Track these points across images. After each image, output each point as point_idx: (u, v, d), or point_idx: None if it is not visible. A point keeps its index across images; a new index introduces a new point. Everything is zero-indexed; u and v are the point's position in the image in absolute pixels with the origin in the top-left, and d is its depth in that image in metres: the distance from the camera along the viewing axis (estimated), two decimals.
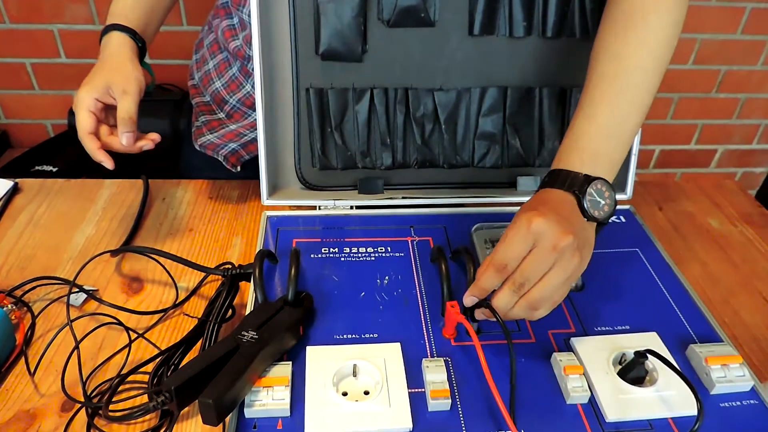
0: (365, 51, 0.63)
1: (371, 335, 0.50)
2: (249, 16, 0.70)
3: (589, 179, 0.49)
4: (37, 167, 1.35)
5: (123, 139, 0.61)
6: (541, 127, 0.68)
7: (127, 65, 0.64)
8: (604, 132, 0.51)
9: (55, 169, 1.35)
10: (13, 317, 0.62)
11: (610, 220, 0.51)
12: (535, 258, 0.45)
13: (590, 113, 0.52)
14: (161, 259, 0.67)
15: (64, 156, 1.39)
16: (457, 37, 0.65)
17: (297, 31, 0.62)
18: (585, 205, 0.48)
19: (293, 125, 0.65)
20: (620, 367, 0.48)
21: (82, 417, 0.53)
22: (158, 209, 0.80)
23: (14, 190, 0.83)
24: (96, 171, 0.84)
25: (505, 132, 0.67)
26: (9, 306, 0.62)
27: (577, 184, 0.49)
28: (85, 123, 0.60)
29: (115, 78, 0.62)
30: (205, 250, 0.73)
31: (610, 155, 0.52)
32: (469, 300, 0.48)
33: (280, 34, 0.62)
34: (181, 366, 0.52)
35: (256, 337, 0.44)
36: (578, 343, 0.50)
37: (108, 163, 0.61)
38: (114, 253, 0.70)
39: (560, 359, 0.47)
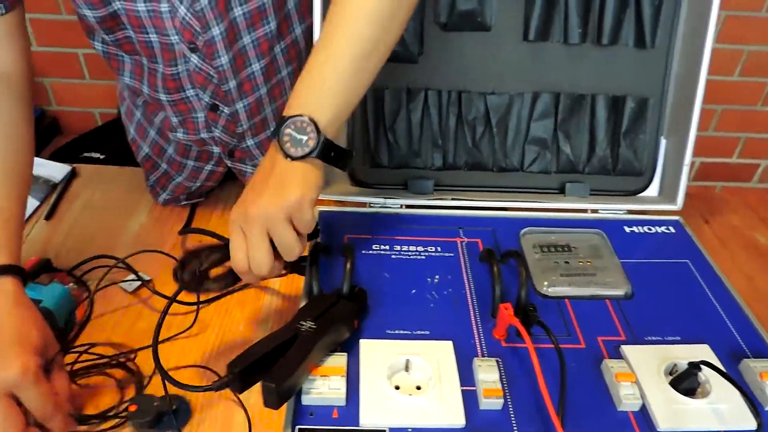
0: (421, 53, 0.64)
1: (422, 332, 0.51)
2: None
3: (283, 120, 0.49)
4: (85, 154, 1.40)
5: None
6: (593, 134, 0.68)
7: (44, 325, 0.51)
8: (309, 70, 0.50)
9: (102, 156, 1.39)
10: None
11: (334, 155, 0.50)
12: (251, 247, 0.48)
13: (309, 61, 0.51)
14: (224, 239, 0.69)
15: (111, 144, 1.43)
16: (511, 42, 0.65)
17: None
18: (283, 147, 0.48)
19: (348, 123, 0.66)
20: (671, 377, 0.48)
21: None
22: (206, 201, 0.82)
23: (72, 175, 0.86)
24: None
25: (556, 138, 0.67)
26: (71, 284, 0.65)
27: (275, 130, 0.50)
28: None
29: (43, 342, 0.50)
30: None
31: (317, 89, 0.50)
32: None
33: None
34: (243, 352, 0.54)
35: (315, 327, 0.46)
36: (629, 351, 0.50)
37: None
38: (182, 232, 0.73)
39: (611, 366, 0.48)
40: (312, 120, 0.49)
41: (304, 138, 0.49)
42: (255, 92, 0.69)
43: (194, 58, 0.64)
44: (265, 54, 0.67)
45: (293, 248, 0.49)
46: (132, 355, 0.59)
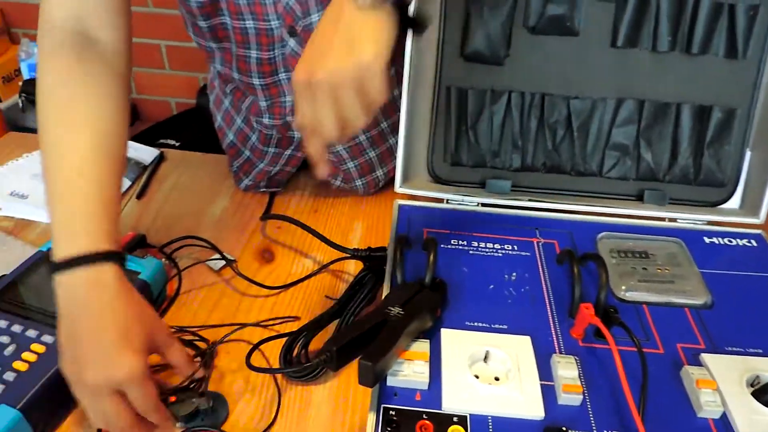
0: (507, 55, 0.66)
1: (500, 326, 0.53)
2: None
3: None
4: (161, 140, 1.47)
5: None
6: (675, 142, 0.67)
7: (146, 310, 0.50)
8: None
9: (177, 143, 1.46)
10: None
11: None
12: (319, 112, 0.43)
13: None
14: (305, 227, 0.73)
15: (186, 132, 1.50)
16: (598, 48, 0.66)
17: (445, 32, 0.65)
18: None
19: (430, 121, 0.68)
20: (753, 388, 0.48)
21: (224, 363, 0.60)
22: (285, 189, 0.86)
23: (160, 158, 0.92)
24: (215, 149, 0.92)
25: (638, 144, 0.67)
26: (163, 260, 0.69)
27: None
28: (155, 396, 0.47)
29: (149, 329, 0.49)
30: (328, 231, 0.78)
31: None
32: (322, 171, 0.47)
33: (428, 35, 0.65)
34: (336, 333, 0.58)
35: (403, 313, 0.48)
36: (709, 359, 0.50)
37: None
38: (264, 218, 0.78)
39: (692, 372, 0.48)
40: None
41: None
42: None
43: (292, 42, 0.67)
44: None
45: (358, 120, 0.44)
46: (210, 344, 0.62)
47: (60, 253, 0.48)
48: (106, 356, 0.45)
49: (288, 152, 0.80)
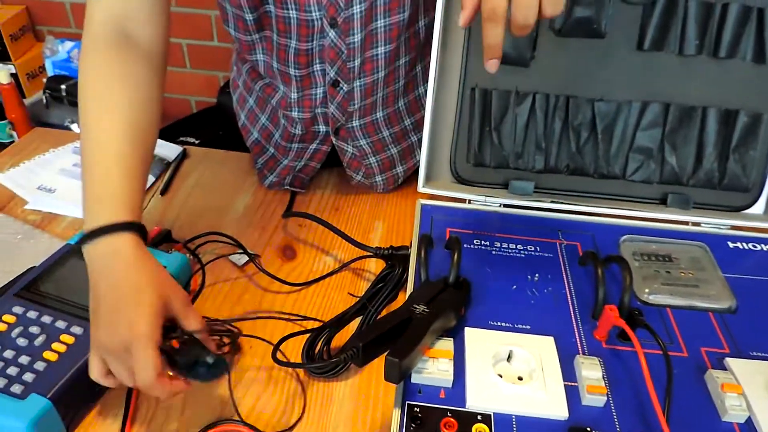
0: (533, 57, 0.66)
1: (524, 326, 0.53)
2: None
3: None
4: (181, 138, 1.48)
5: None
6: (700, 146, 0.67)
7: (162, 277, 0.51)
8: None
9: (197, 141, 1.47)
10: None
11: None
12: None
13: None
14: (328, 225, 0.74)
15: (205, 130, 1.52)
16: (624, 50, 0.65)
17: (471, 33, 0.65)
18: None
19: (454, 121, 0.68)
20: None
21: (247, 358, 0.61)
22: (307, 187, 0.87)
23: (183, 155, 0.93)
24: (235, 146, 0.93)
25: (662, 148, 0.67)
26: (188, 255, 0.70)
27: None
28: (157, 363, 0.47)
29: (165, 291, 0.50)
30: (349, 229, 0.79)
31: None
32: (492, 65, 0.48)
33: (453, 38, 0.66)
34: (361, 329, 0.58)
35: (428, 311, 0.48)
36: (734, 363, 0.50)
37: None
38: (286, 215, 0.79)
39: (717, 376, 0.48)
40: None
41: None
42: (374, 74, 0.74)
43: (332, 33, 0.69)
44: (393, 40, 0.71)
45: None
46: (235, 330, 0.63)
47: (87, 227, 0.51)
48: (116, 316, 0.48)
49: (313, 146, 0.81)
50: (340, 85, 0.73)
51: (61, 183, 0.85)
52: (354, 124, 0.78)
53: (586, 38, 0.65)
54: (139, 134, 0.57)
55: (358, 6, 0.67)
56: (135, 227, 0.52)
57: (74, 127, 1.62)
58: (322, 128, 0.79)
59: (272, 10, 0.69)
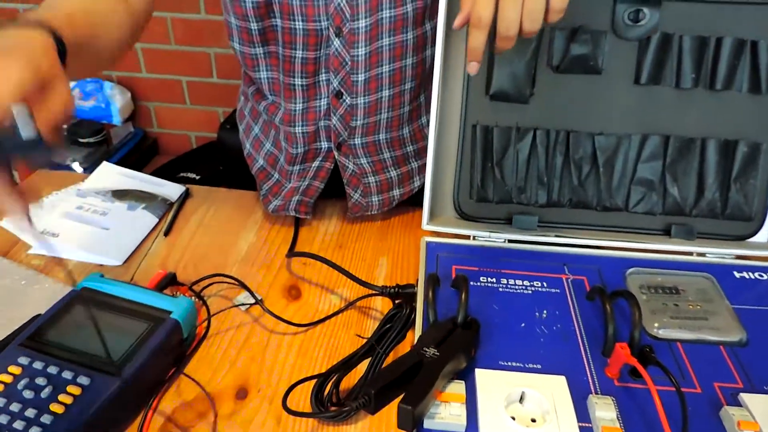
0: (532, 94, 0.67)
1: (534, 365, 0.53)
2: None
3: None
4: (182, 174, 1.49)
5: None
6: (701, 177, 0.68)
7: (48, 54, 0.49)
8: None
9: (197, 177, 1.48)
10: None
11: None
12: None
13: None
14: (331, 264, 0.73)
15: (205, 165, 1.53)
16: (622, 85, 0.67)
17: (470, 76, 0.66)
18: None
19: (456, 158, 0.69)
20: None
21: (255, 403, 0.60)
22: (310, 224, 0.87)
23: (186, 195, 0.93)
24: (235, 183, 0.94)
25: (664, 179, 0.68)
26: (193, 298, 0.70)
27: None
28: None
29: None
30: (354, 266, 0.78)
31: None
32: (472, 67, 0.54)
33: (454, 75, 0.67)
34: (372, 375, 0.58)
35: (438, 354, 0.48)
36: (749, 399, 0.49)
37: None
38: (290, 255, 0.78)
39: (732, 413, 0.47)
40: None
41: None
42: (378, 92, 0.75)
43: (336, 42, 0.70)
44: (397, 60, 0.73)
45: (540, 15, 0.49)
46: None
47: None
48: None
49: (315, 164, 0.82)
50: (343, 96, 0.75)
51: (64, 227, 0.85)
52: (356, 142, 0.79)
53: (584, 74, 0.66)
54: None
55: (363, 20, 0.68)
56: (52, 32, 0.50)
57: (75, 165, 1.63)
58: (324, 144, 0.80)
59: (278, 24, 0.71)
